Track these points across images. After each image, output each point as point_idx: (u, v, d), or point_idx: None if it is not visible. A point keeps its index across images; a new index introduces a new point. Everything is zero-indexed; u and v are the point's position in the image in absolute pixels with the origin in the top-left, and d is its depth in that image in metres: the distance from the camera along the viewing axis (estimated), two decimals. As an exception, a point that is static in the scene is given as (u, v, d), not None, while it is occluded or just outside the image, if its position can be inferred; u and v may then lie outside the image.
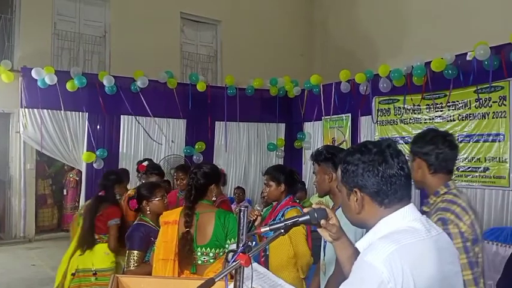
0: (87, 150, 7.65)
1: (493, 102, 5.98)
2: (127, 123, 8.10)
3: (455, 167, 6.78)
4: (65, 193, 9.07)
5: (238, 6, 10.26)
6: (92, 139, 7.72)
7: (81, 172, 8.00)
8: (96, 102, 7.67)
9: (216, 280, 1.27)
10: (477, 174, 6.22)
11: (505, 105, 5.84)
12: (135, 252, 2.96)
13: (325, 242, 2.31)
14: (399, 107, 7.32)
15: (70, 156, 7.70)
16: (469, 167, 6.32)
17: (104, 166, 7.56)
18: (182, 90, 8.56)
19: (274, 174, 3.05)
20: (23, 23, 7.99)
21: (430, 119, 6.86)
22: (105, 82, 7.62)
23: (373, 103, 7.71)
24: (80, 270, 3.62)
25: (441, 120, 6.69)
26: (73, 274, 3.62)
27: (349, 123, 8.30)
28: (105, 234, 3.71)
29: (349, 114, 8.28)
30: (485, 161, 6.12)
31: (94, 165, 7.67)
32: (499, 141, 5.93)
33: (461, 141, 6.43)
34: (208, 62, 10.43)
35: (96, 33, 8.97)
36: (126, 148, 8.09)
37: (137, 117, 8.13)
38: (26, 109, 7.26)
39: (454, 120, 6.52)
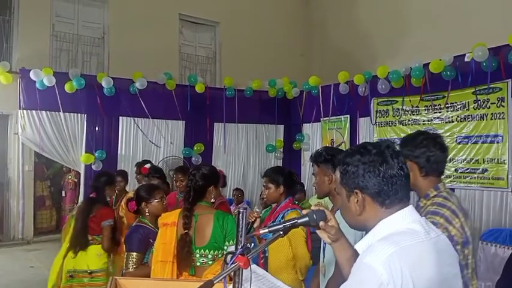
0: (85, 152, 7.64)
1: (492, 103, 5.99)
2: (125, 124, 8.09)
3: (454, 169, 6.78)
4: (63, 195, 9.06)
5: (237, 7, 10.26)
6: (91, 141, 7.71)
7: (79, 174, 7.99)
8: (95, 103, 7.66)
9: (215, 282, 1.26)
10: (476, 175, 6.22)
11: (503, 106, 5.85)
12: (134, 254, 2.95)
13: (325, 243, 2.31)
14: (398, 109, 7.32)
15: (68, 157, 7.68)
16: (468, 168, 6.33)
17: (103, 168, 7.55)
18: (181, 92, 8.56)
19: (273, 176, 3.05)
20: (21, 24, 7.98)
21: (428, 120, 6.87)
22: (103, 83, 7.61)
23: (372, 104, 7.71)
24: (74, 271, 3.65)
25: (440, 122, 6.70)
26: (71, 276, 3.64)
27: (348, 125, 8.30)
28: (98, 235, 3.76)
29: (348, 116, 8.29)
30: (483, 162, 6.12)
31: (92, 166, 7.65)
32: (498, 142, 5.94)
33: (459, 143, 6.44)
34: (207, 64, 10.43)
35: (94, 34, 8.97)
36: (125, 150, 8.08)
37: (136, 118, 8.13)
38: (25, 110, 7.25)
39: (452, 122, 6.53)
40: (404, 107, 7.20)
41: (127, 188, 5.40)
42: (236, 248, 1.39)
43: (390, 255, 1.20)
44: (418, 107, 6.99)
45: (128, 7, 8.99)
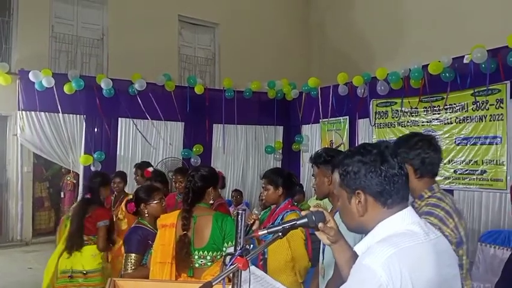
0: (84, 153, 7.64)
1: (490, 105, 5.99)
2: (124, 126, 8.08)
3: (453, 170, 6.78)
4: (62, 196, 9.05)
5: (236, 9, 10.27)
6: (90, 142, 7.70)
7: (78, 175, 7.98)
8: (94, 105, 7.66)
9: (213, 283, 1.26)
10: (474, 177, 6.23)
11: (502, 108, 5.86)
12: (133, 255, 2.94)
13: (324, 245, 2.31)
14: (397, 110, 7.33)
15: (67, 159, 7.67)
16: (467, 170, 6.33)
17: (102, 169, 7.54)
18: (180, 93, 8.56)
19: (272, 178, 3.05)
20: (20, 25, 7.99)
21: (427, 122, 6.88)
22: (102, 85, 7.61)
23: (371, 106, 7.72)
24: (69, 271, 3.68)
25: (438, 123, 6.71)
26: (70, 276, 3.67)
27: (347, 126, 8.30)
28: (93, 235, 3.80)
29: (347, 117, 8.29)
30: (482, 163, 6.13)
31: (91, 168, 7.64)
32: (496, 144, 5.95)
33: (458, 144, 6.45)
34: (206, 65, 10.44)
35: (93, 35, 8.97)
36: (124, 151, 8.08)
37: (135, 120, 8.12)
38: (24, 112, 7.25)
39: (451, 123, 6.54)
40: (403, 109, 7.21)
41: (126, 189, 5.39)
42: (235, 250, 1.39)
43: (389, 256, 1.20)
44: (417, 108, 7.00)
45: (127, 8, 8.99)
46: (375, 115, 7.69)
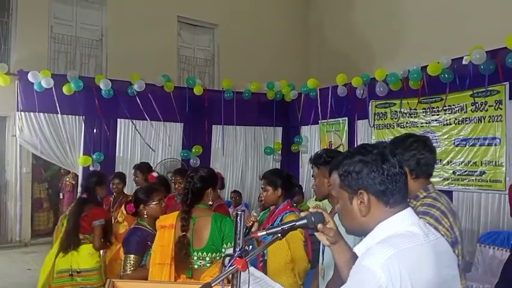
0: (83, 154, 7.63)
1: (489, 106, 6.00)
2: (124, 126, 8.08)
3: (452, 171, 6.79)
4: (61, 197, 9.03)
5: (235, 10, 10.27)
6: (89, 143, 7.69)
7: (77, 176, 7.96)
8: (93, 105, 7.65)
9: (213, 285, 1.26)
10: (473, 178, 6.23)
11: (500, 109, 5.86)
12: (132, 256, 2.94)
13: (324, 246, 2.31)
14: (396, 111, 7.33)
15: (66, 159, 7.66)
16: (466, 171, 6.34)
17: (101, 170, 7.51)
18: (179, 94, 8.56)
19: (271, 179, 3.05)
20: (19, 26, 7.98)
21: (426, 123, 6.89)
22: (101, 85, 7.60)
23: (370, 107, 7.72)
24: (68, 270, 3.71)
25: (437, 124, 6.71)
26: (70, 275, 3.70)
27: (346, 127, 8.31)
28: (90, 234, 3.85)
29: (346, 118, 8.29)
30: (481, 164, 6.13)
31: (90, 168, 7.62)
32: (495, 145, 5.96)
33: (457, 145, 6.45)
34: (205, 66, 10.44)
35: (92, 36, 8.96)
36: (123, 152, 8.07)
37: (134, 120, 8.11)
38: (22, 112, 7.23)
39: (450, 124, 6.54)
40: (402, 110, 7.21)
41: (125, 190, 5.39)
42: (234, 251, 1.39)
43: (389, 257, 1.19)
44: (416, 109, 7.01)
45: (126, 9, 8.99)
46: (374, 116, 7.69)
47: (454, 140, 6.49)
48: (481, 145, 6.14)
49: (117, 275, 3.54)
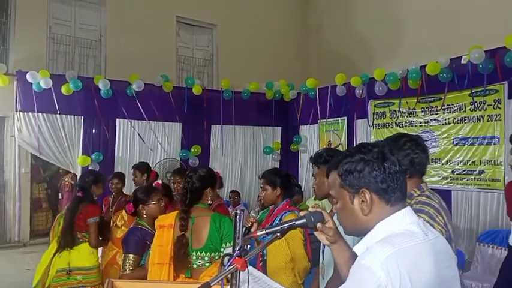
0: (82, 154, 7.62)
1: (488, 105, 6.01)
2: (122, 127, 8.07)
3: (450, 170, 6.80)
4: (60, 197, 9.02)
5: (234, 10, 10.28)
6: (88, 143, 7.69)
7: (76, 176, 7.95)
8: (92, 106, 7.64)
9: (211, 284, 1.26)
10: (472, 177, 6.24)
11: (499, 108, 5.87)
12: (131, 256, 2.93)
13: (324, 245, 2.31)
14: (395, 110, 7.34)
15: (65, 160, 7.66)
16: (464, 170, 6.34)
17: (99, 170, 7.51)
18: (178, 94, 8.55)
19: (270, 178, 3.05)
20: (18, 26, 7.97)
21: (425, 122, 6.89)
22: (100, 86, 7.60)
23: (369, 106, 7.73)
24: (66, 269, 3.73)
25: (436, 124, 6.72)
26: (68, 273, 3.73)
27: (345, 127, 8.32)
28: (87, 232, 3.88)
29: (345, 118, 8.30)
30: (480, 164, 6.14)
31: (89, 168, 7.62)
32: (494, 144, 5.96)
33: (456, 144, 6.46)
34: (204, 66, 10.44)
35: (91, 36, 8.96)
36: (122, 152, 8.06)
37: (133, 121, 8.10)
38: (21, 113, 7.22)
39: (449, 124, 6.55)
40: (401, 109, 7.22)
41: (124, 190, 5.38)
42: (233, 250, 1.39)
43: (388, 257, 1.19)
44: (415, 108, 7.01)
45: (124, 9, 8.98)
46: (373, 116, 7.70)
47: (453, 139, 6.50)
48: (479, 144, 6.15)
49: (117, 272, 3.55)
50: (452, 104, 6.47)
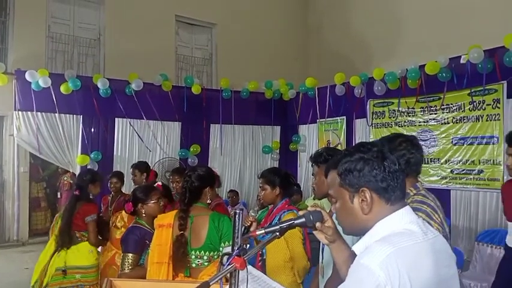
0: (81, 153, 7.61)
1: (487, 105, 6.01)
2: (121, 126, 8.06)
3: (449, 170, 6.80)
4: (59, 196, 9.02)
5: (234, 9, 10.27)
6: (86, 142, 7.68)
7: (75, 175, 7.94)
8: (91, 105, 7.63)
9: (211, 283, 1.26)
10: (471, 176, 6.24)
11: (498, 107, 5.87)
12: (130, 255, 2.93)
13: (324, 244, 2.31)
14: (394, 110, 7.34)
15: (64, 159, 7.64)
16: (463, 170, 6.35)
17: (98, 169, 7.50)
18: (177, 93, 8.54)
19: (269, 177, 3.05)
20: (17, 25, 7.96)
21: (424, 122, 6.89)
22: (99, 85, 7.59)
23: (368, 106, 7.73)
24: (66, 267, 3.75)
25: (435, 123, 6.72)
26: (64, 271, 3.74)
27: (344, 126, 8.32)
28: (84, 230, 3.90)
29: (344, 117, 8.30)
30: (479, 163, 6.14)
31: (88, 168, 7.62)
32: (493, 143, 5.96)
33: (455, 144, 6.46)
34: (203, 65, 10.43)
35: (90, 35, 8.95)
36: (121, 151, 8.05)
37: (132, 120, 8.09)
38: (20, 112, 7.21)
39: (448, 123, 6.55)
40: (400, 109, 7.22)
41: (123, 189, 5.38)
42: (232, 249, 1.39)
43: (388, 256, 1.19)
44: (414, 108, 7.01)
45: (123, 8, 8.98)
46: (372, 115, 7.70)
47: (452, 138, 6.50)
48: (479, 144, 6.15)
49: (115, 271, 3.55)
50: (451, 104, 6.47)
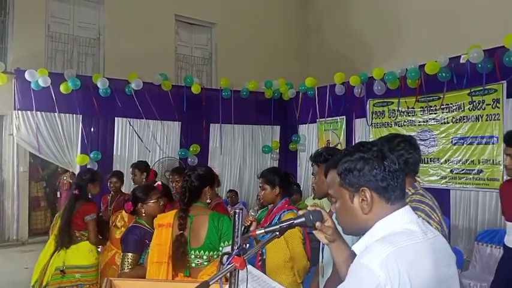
0: (81, 153, 7.61)
1: (487, 104, 6.01)
2: (121, 125, 8.05)
3: (449, 170, 6.80)
4: (58, 195, 9.01)
5: (233, 9, 10.27)
6: (86, 141, 7.67)
7: (75, 174, 7.94)
8: (90, 104, 7.63)
9: (210, 283, 1.26)
10: (471, 176, 6.24)
11: (498, 107, 5.87)
12: (130, 254, 2.93)
13: (324, 244, 2.31)
14: (393, 110, 7.34)
15: (64, 158, 7.64)
16: (463, 169, 6.35)
17: (98, 168, 7.50)
18: (177, 93, 8.54)
19: (269, 177, 3.05)
20: (16, 24, 7.95)
21: (424, 122, 6.89)
22: (99, 84, 7.58)
23: (368, 105, 7.73)
24: (66, 267, 3.76)
25: (435, 123, 6.72)
26: (62, 271, 3.75)
27: (344, 126, 8.32)
28: (84, 230, 3.90)
29: (344, 117, 8.30)
30: (479, 163, 6.14)
31: (88, 167, 7.61)
32: (493, 143, 5.96)
33: (455, 144, 6.46)
34: (203, 65, 10.43)
35: (90, 35, 8.94)
36: (120, 150, 8.05)
37: (131, 119, 8.09)
38: (20, 111, 7.20)
39: (448, 123, 6.55)
40: (400, 108, 7.22)
41: (122, 189, 5.37)
42: (232, 249, 1.39)
43: (387, 255, 1.19)
44: (413, 108, 7.01)
45: (123, 8, 8.97)
46: (372, 115, 7.70)
47: (452, 138, 6.50)
48: (478, 144, 6.15)
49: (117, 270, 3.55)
50: (451, 104, 6.47)
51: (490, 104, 5.97)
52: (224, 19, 10.25)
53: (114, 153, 7.99)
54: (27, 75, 7.09)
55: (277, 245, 2.79)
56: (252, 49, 10.29)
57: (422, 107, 6.89)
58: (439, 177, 6.61)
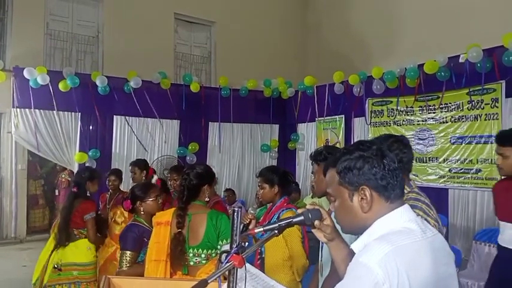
0: (79, 151, 7.60)
1: (486, 104, 6.02)
2: (120, 123, 8.04)
3: (448, 169, 6.80)
4: (56, 193, 9.01)
5: (232, 7, 10.26)
6: (85, 139, 7.67)
7: (73, 172, 7.93)
8: (89, 102, 7.61)
9: (209, 281, 1.25)
10: (469, 175, 6.25)
11: (497, 107, 5.88)
12: (128, 252, 2.93)
13: (323, 242, 2.31)
14: (392, 109, 7.34)
15: (62, 156, 7.63)
16: (462, 169, 6.35)
17: (97, 166, 7.50)
18: (176, 91, 8.53)
19: (267, 176, 3.05)
20: (15, 22, 7.94)
21: (423, 121, 6.90)
22: (98, 82, 7.57)
23: (367, 105, 7.73)
24: (63, 264, 3.77)
25: (434, 122, 6.73)
26: (59, 269, 3.76)
27: (343, 125, 8.32)
28: (83, 228, 3.90)
29: (343, 116, 8.30)
30: (477, 162, 6.15)
31: (86, 165, 7.60)
32: (491, 143, 5.96)
33: (453, 143, 6.47)
34: (202, 63, 10.42)
35: (89, 33, 8.93)
36: (119, 149, 8.04)
37: (130, 117, 8.08)
38: (18, 109, 7.19)
39: (446, 122, 6.55)
40: (399, 108, 7.22)
41: (121, 187, 5.36)
42: (231, 247, 1.38)
43: (386, 254, 1.19)
44: (412, 107, 7.02)
45: (122, 6, 8.96)
46: (371, 114, 7.70)
47: (450, 137, 6.51)
48: (477, 143, 6.16)
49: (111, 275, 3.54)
50: (450, 103, 6.48)
51: (488, 104, 5.98)
52: (223, 18, 10.24)
53: (113, 151, 7.98)
54: (25, 73, 7.08)
55: (276, 243, 2.79)
56: (251, 48, 10.28)
57: (421, 106, 6.90)
58: (437, 177, 6.62)
